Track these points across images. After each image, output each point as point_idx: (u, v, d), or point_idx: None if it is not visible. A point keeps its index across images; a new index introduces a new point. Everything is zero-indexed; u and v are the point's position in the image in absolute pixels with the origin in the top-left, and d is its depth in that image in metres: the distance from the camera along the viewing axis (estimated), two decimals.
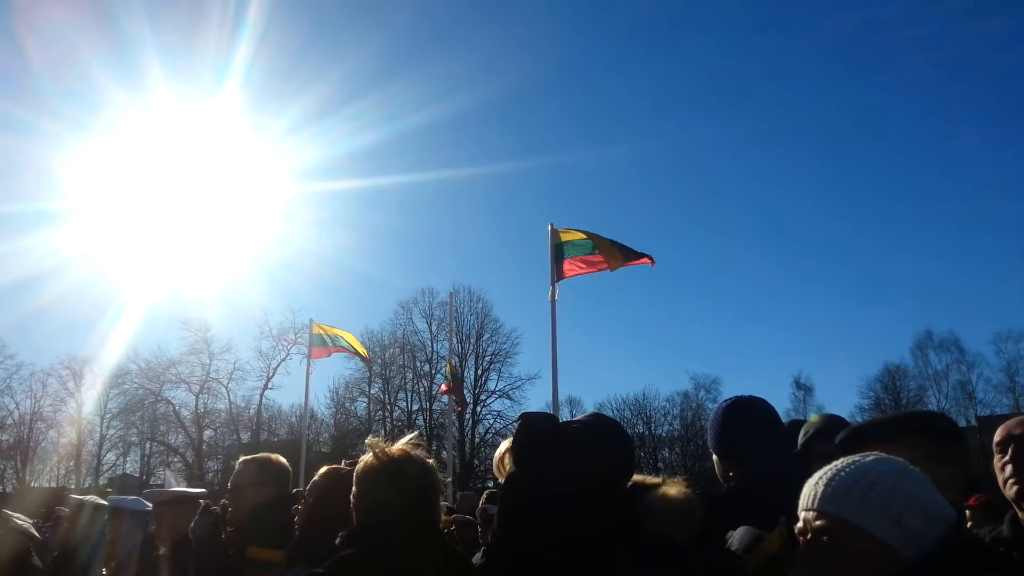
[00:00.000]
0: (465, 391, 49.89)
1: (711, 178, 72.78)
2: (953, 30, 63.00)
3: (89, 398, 50.99)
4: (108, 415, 52.55)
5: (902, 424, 2.63)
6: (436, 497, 2.67)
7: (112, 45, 58.48)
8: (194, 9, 59.28)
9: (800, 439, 3.32)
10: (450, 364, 20.99)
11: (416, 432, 2.71)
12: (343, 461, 3.30)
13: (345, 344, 20.62)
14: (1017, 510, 2.50)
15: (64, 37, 53.90)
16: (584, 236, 11.98)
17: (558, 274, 12.11)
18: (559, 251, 12.09)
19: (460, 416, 48.33)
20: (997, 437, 2.59)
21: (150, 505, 4.63)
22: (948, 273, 66.22)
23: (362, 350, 21.67)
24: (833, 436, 3.20)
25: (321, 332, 20.23)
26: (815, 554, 1.72)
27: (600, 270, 12.02)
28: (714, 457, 3.12)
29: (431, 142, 74.86)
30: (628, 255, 11.81)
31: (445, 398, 34.31)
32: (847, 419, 3.56)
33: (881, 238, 68.08)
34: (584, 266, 12.03)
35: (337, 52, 75.60)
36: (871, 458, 1.80)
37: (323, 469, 3.37)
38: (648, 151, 73.89)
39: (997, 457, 2.57)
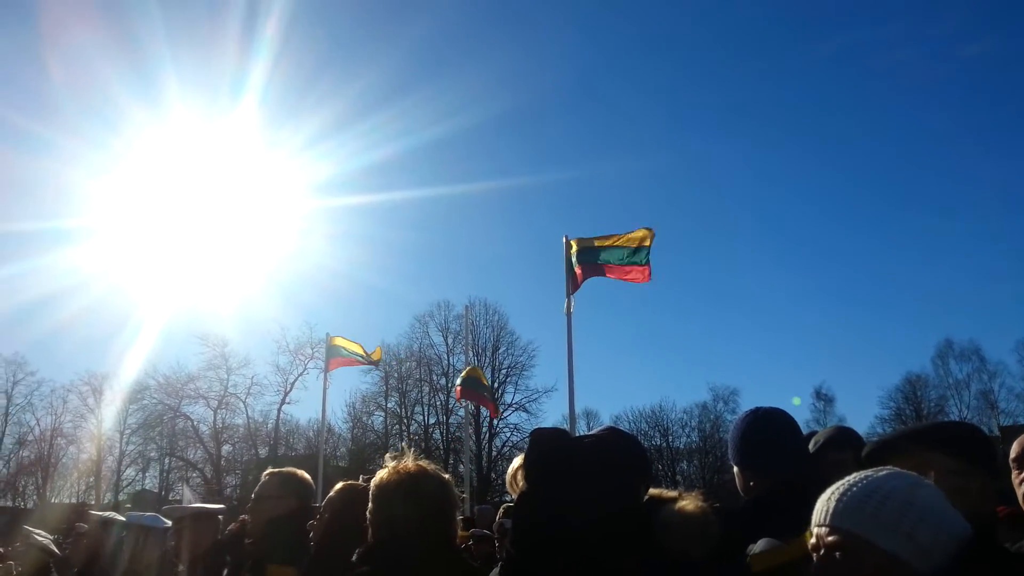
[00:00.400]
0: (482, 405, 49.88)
1: (728, 189, 72.69)
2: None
3: (108, 414, 51.45)
4: (127, 431, 52.98)
5: (922, 438, 2.59)
6: (452, 512, 2.66)
7: (131, 63, 59.20)
8: (212, 26, 60.12)
9: (811, 448, 3.29)
10: (475, 370, 20.57)
11: (416, 451, 2.71)
12: (360, 476, 3.30)
13: (360, 356, 20.71)
14: None
15: (85, 55, 54.72)
16: (623, 242, 12.07)
17: (575, 284, 12.19)
18: (590, 255, 12.19)
19: (477, 430, 48.26)
20: (1013, 453, 2.55)
21: (168, 521, 4.65)
22: (968, 282, 65.58)
23: (375, 354, 21.58)
24: (843, 446, 3.18)
25: (339, 344, 20.35)
26: (828, 570, 1.71)
27: (638, 280, 12.14)
28: (735, 469, 3.08)
29: (446, 156, 75.34)
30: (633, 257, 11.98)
31: (462, 411, 34.24)
32: (868, 429, 3.55)
33: (900, 248, 67.61)
34: (623, 274, 12.12)
35: (353, 67, 76.44)
36: (884, 472, 1.79)
37: (339, 485, 3.37)
38: (665, 163, 73.87)
39: (1015, 472, 2.52)
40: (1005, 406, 48.94)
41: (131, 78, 59.11)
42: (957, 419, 47.93)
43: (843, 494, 1.75)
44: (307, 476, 3.91)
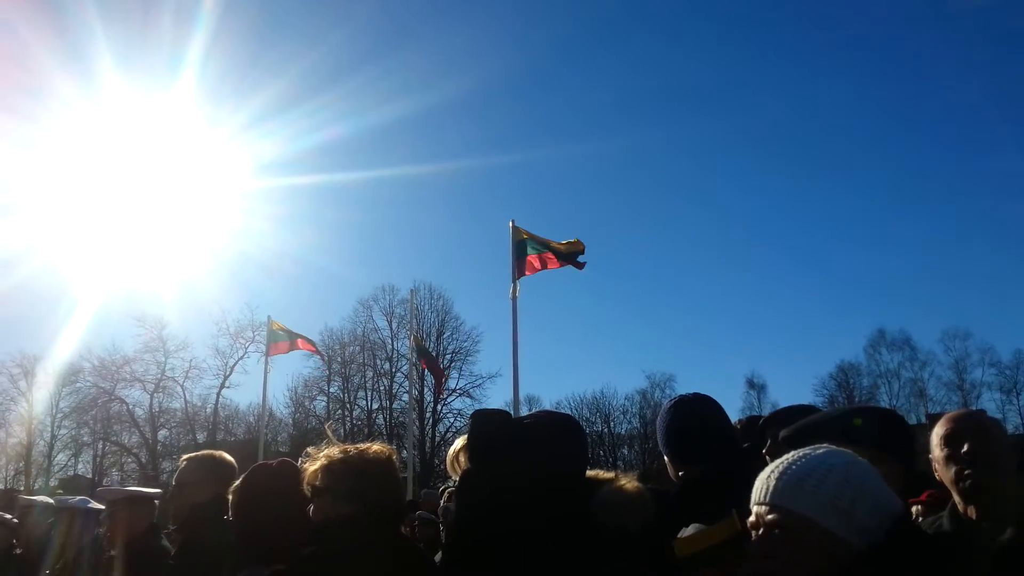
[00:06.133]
0: (426, 389, 49.85)
1: (665, 176, 73.57)
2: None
3: (40, 397, 49.67)
4: (59, 414, 51.32)
5: (834, 425, 2.57)
6: (398, 491, 2.69)
7: (60, 34, 56.32)
8: None
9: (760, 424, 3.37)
10: (416, 339, 20.95)
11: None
12: (299, 460, 3.27)
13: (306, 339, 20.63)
14: (961, 503, 2.51)
15: (8, 26, 52.28)
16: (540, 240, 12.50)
17: (521, 270, 12.30)
18: (522, 247, 12.29)
19: (420, 415, 48.20)
20: (944, 430, 2.55)
21: (99, 505, 4.54)
22: (902, 270, 67.58)
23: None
24: (787, 424, 3.27)
25: (279, 329, 20.13)
26: (767, 548, 1.74)
27: (552, 268, 12.49)
28: (664, 457, 3.13)
29: (393, 138, 74.31)
30: (569, 256, 12.46)
31: (406, 397, 34.25)
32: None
33: (835, 236, 69.28)
34: (539, 264, 12.43)
35: (298, 46, 74.72)
36: (821, 451, 1.82)
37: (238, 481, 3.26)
38: (607, 150, 74.27)
39: (946, 451, 2.50)
40: (933, 394, 50.78)
41: (60, 49, 56.48)
42: (886, 406, 49.61)
43: (783, 473, 1.78)
44: (227, 457, 3.79)
